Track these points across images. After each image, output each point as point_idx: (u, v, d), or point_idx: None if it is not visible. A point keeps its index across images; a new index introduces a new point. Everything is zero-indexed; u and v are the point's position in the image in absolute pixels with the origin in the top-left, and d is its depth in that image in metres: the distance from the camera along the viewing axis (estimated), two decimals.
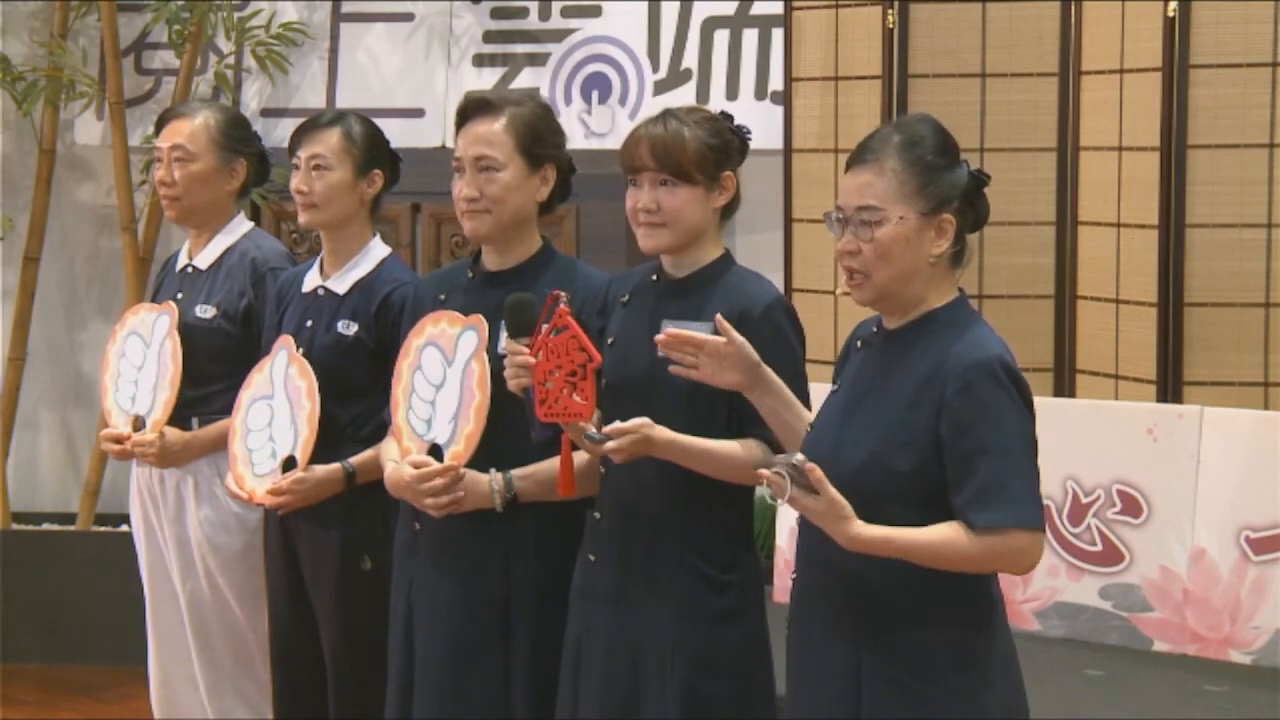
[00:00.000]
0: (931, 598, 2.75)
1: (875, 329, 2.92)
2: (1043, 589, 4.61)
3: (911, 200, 2.78)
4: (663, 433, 3.09)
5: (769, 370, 3.03)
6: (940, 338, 2.79)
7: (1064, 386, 5.03)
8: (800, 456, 2.69)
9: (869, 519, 2.71)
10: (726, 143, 3.24)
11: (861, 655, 2.78)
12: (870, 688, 2.77)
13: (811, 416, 3.01)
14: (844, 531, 2.69)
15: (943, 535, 2.69)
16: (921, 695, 2.75)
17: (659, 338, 3.03)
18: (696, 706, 3.15)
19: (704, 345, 2.99)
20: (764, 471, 2.71)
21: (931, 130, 2.84)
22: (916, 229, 2.78)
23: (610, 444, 3.08)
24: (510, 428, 3.37)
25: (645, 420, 3.08)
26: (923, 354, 2.78)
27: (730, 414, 3.16)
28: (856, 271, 2.81)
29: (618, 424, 3.08)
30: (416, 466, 3.44)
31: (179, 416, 4.13)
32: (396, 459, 3.54)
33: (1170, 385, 4.73)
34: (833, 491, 2.67)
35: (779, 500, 2.69)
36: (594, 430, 3.13)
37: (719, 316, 3.02)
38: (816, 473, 2.66)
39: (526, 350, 3.19)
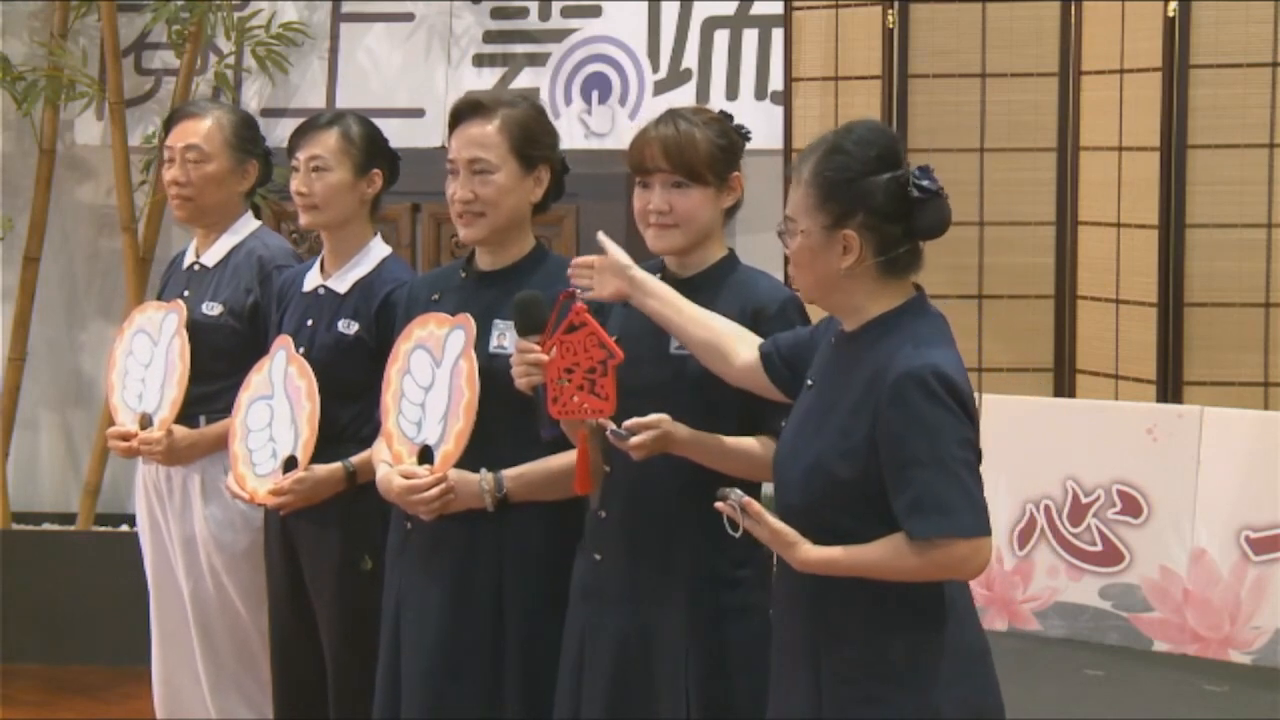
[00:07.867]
0: (883, 598, 2.74)
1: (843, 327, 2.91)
2: (1043, 589, 4.60)
3: (814, 214, 2.76)
4: (683, 430, 3.08)
5: (641, 272, 3.14)
6: (885, 344, 2.75)
7: (1064, 386, 5.03)
8: (738, 492, 2.79)
9: (818, 525, 2.74)
10: (733, 143, 3.26)
11: (820, 656, 2.79)
12: (829, 688, 2.78)
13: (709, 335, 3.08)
14: (792, 556, 2.76)
15: (884, 551, 2.70)
16: (874, 694, 2.75)
17: (570, 274, 3.20)
18: (715, 704, 3.14)
19: (594, 264, 3.16)
20: (719, 505, 2.81)
21: (856, 141, 2.77)
22: (821, 243, 2.76)
23: (634, 439, 3.05)
24: (499, 427, 3.37)
25: (664, 416, 3.06)
26: (868, 361, 2.76)
27: (742, 410, 3.15)
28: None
29: (638, 419, 3.05)
30: (406, 477, 3.44)
31: (186, 415, 4.13)
32: (389, 460, 3.54)
33: (1170, 385, 4.73)
34: (772, 521, 2.75)
35: (738, 530, 2.81)
36: (615, 426, 3.08)
37: (600, 234, 3.19)
38: (754, 506, 2.76)
39: (538, 348, 3.17)
